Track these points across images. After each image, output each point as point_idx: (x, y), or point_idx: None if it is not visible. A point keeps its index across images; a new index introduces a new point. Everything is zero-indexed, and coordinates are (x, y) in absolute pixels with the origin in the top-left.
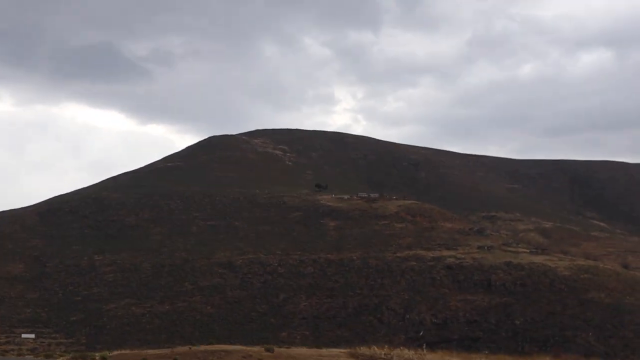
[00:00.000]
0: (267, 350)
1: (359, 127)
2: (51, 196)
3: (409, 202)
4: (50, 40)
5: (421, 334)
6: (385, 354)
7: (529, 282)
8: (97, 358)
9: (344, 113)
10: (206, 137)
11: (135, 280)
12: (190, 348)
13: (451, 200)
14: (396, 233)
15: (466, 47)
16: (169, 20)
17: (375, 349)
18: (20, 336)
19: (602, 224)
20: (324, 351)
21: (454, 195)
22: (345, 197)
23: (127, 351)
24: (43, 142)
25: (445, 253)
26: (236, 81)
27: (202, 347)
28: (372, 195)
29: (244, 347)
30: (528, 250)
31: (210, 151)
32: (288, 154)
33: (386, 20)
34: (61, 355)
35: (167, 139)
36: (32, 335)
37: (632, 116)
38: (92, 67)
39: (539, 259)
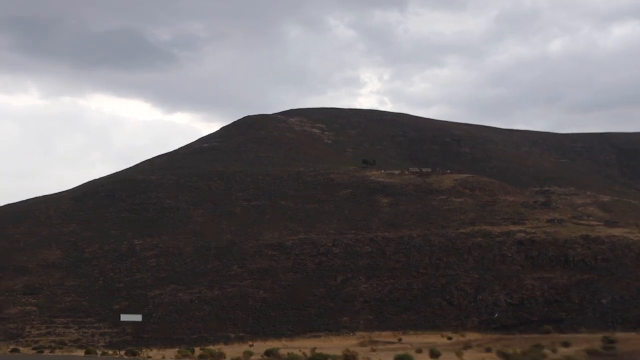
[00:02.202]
0: None
1: (386, 110)
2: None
3: (465, 175)
4: (72, 28)
5: (496, 315)
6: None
7: (612, 257)
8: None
9: (370, 95)
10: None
11: (180, 265)
12: None
13: (500, 176)
14: (456, 208)
15: (494, 25)
16: (192, 4)
17: None
18: (120, 319)
19: None
20: None
21: (503, 170)
22: (396, 172)
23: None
24: (70, 135)
25: (513, 228)
26: (260, 66)
27: None
28: (424, 169)
29: None
30: (602, 223)
31: (246, 131)
32: (326, 132)
33: None
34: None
35: (193, 127)
36: (138, 318)
37: None
38: (116, 55)
39: (617, 231)
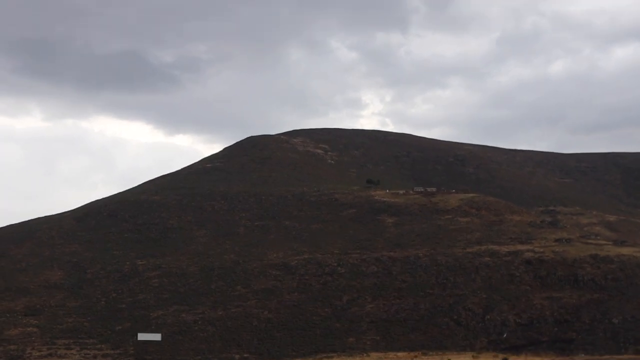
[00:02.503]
0: None
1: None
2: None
3: (470, 195)
4: (76, 51)
5: (504, 336)
6: None
7: (622, 276)
8: None
9: (372, 117)
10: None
11: (183, 285)
12: None
13: (505, 196)
14: (462, 227)
15: (496, 46)
16: (195, 26)
17: None
18: (138, 338)
19: None
20: None
21: (507, 190)
22: (401, 192)
23: None
24: (73, 156)
25: (521, 247)
26: (262, 88)
27: None
28: (429, 189)
29: None
30: (611, 242)
31: (249, 151)
32: (329, 153)
33: (414, 20)
34: None
35: (194, 149)
36: (157, 337)
37: None
38: (119, 77)
39: (626, 250)
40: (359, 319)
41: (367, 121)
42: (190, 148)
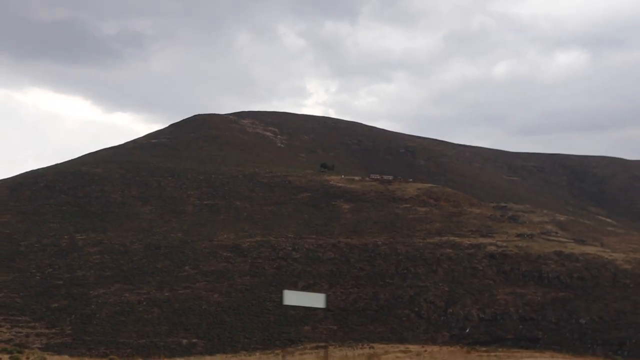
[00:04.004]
0: None
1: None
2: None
3: (428, 185)
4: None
5: (467, 330)
6: None
7: (588, 275)
8: None
9: (315, 107)
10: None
11: (127, 263)
12: None
13: (456, 190)
14: (421, 217)
15: (442, 43)
16: (140, 0)
17: None
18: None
19: (608, 219)
20: None
21: (458, 184)
22: (356, 178)
23: None
24: (2, 130)
25: (483, 240)
26: (206, 70)
27: None
28: (384, 177)
29: None
30: (572, 240)
31: (196, 129)
32: (279, 136)
33: (364, 11)
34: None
35: (132, 129)
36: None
37: (606, 120)
38: (58, 47)
39: (590, 249)
40: (314, 307)
41: (311, 110)
42: (129, 127)
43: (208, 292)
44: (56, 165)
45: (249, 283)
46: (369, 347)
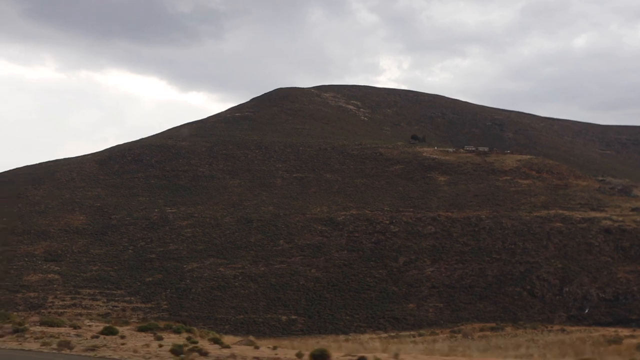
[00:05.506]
0: None
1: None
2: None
3: (528, 156)
4: None
5: (586, 311)
6: None
7: None
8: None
9: (387, 83)
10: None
11: (219, 237)
12: None
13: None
14: (524, 190)
15: (519, 16)
16: None
17: None
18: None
19: None
20: None
21: (550, 157)
22: (450, 150)
23: None
24: (85, 110)
25: (595, 214)
26: (280, 47)
27: None
28: (480, 148)
29: None
30: None
31: (279, 102)
32: (362, 109)
33: None
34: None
35: (207, 108)
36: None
37: None
38: (134, 25)
39: None
40: (418, 283)
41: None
42: (203, 107)
43: (305, 267)
44: (142, 139)
45: (346, 258)
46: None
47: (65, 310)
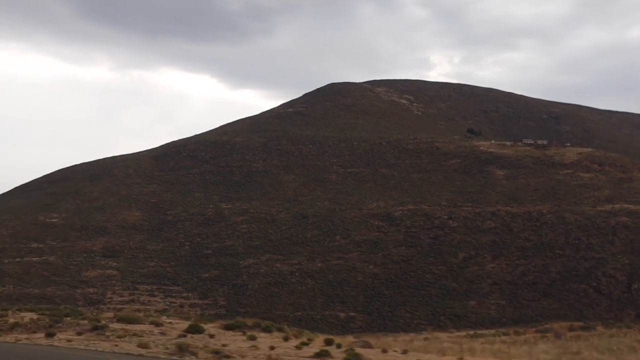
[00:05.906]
0: None
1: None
2: (167, 141)
3: (589, 149)
4: None
5: None
6: None
7: None
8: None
9: (438, 78)
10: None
11: (275, 233)
12: None
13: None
14: (586, 184)
15: (572, 8)
16: None
17: None
18: None
19: None
20: None
21: (610, 151)
22: (508, 143)
23: None
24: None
25: None
26: (330, 43)
27: None
28: (539, 141)
29: None
30: None
31: (331, 97)
32: (415, 104)
33: None
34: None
35: (257, 105)
36: None
37: None
38: (185, 23)
39: None
40: (479, 280)
41: None
42: (254, 104)
43: (362, 263)
44: (196, 135)
45: (404, 254)
46: None
47: (124, 306)
